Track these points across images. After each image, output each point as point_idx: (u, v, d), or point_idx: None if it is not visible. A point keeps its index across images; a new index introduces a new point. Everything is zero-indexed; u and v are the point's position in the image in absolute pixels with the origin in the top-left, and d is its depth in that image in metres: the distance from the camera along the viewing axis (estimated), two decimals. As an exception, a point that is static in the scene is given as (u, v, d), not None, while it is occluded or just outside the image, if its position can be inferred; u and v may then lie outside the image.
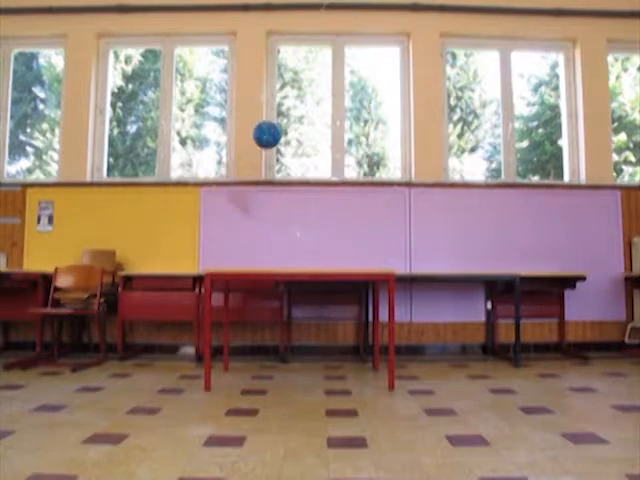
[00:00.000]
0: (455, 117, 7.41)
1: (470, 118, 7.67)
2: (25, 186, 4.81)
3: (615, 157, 6.24)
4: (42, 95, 6.94)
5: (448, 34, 4.98)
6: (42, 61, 6.75)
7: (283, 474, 1.75)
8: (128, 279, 4.36)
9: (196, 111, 7.14)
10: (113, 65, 5.38)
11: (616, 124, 6.86)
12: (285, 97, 7.16)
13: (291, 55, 6.86)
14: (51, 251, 4.64)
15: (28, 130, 6.78)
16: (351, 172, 7.08)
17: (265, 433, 2.23)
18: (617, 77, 7.01)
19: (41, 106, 7.08)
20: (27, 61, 6.57)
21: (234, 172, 4.83)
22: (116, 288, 4.35)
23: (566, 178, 5.05)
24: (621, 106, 7.16)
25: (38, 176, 6.39)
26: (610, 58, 5.18)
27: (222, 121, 5.96)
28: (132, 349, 4.49)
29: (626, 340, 4.57)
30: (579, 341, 4.60)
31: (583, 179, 4.90)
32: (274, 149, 4.80)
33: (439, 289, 4.60)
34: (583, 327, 4.64)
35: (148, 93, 7.53)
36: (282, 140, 4.72)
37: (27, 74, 6.80)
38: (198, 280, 4.30)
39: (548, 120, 7.77)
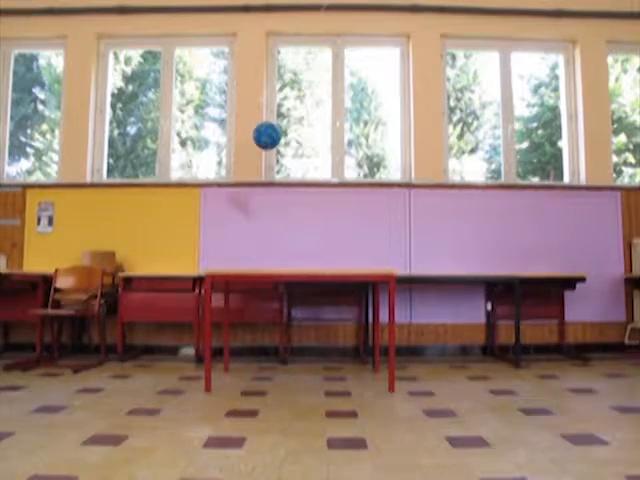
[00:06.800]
0: (455, 118, 7.41)
1: (470, 119, 7.67)
2: (25, 187, 4.81)
3: (615, 158, 6.24)
4: (42, 96, 6.94)
5: (448, 35, 4.99)
6: (42, 62, 6.76)
7: (283, 475, 1.76)
8: (128, 280, 4.36)
9: (196, 112, 7.14)
10: (113, 66, 5.39)
11: (616, 125, 6.86)
12: (285, 98, 7.16)
13: (291, 56, 6.86)
14: (51, 252, 4.64)
15: (28, 131, 6.78)
16: (351, 173, 7.08)
17: (265, 434, 2.23)
18: (617, 78, 7.01)
19: (41, 107, 7.07)
20: (27, 62, 6.57)
21: (234, 173, 4.83)
22: (116, 289, 4.35)
23: (566, 179, 5.05)
24: (621, 107, 7.16)
25: (38, 177, 6.38)
26: (610, 59, 5.18)
27: (222, 122, 5.96)
28: (132, 350, 4.48)
29: (626, 341, 4.57)
30: (579, 342, 4.60)
31: (583, 180, 4.90)
32: (274, 150, 4.81)
33: (439, 290, 4.60)
34: (583, 328, 4.64)
35: (148, 94, 7.53)
36: (282, 141, 4.72)
37: (27, 75, 6.80)
38: (198, 281, 4.31)
39: (548, 121, 7.77)
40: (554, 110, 7.13)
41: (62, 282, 4.27)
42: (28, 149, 6.64)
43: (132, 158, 7.29)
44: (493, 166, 7.05)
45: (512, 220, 4.69)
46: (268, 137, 4.21)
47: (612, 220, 4.73)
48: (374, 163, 7.67)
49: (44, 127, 6.81)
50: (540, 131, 7.94)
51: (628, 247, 4.71)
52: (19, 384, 3.27)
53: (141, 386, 3.27)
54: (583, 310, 4.63)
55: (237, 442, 2.11)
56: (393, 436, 2.21)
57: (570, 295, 4.57)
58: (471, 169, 7.50)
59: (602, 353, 4.51)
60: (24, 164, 6.65)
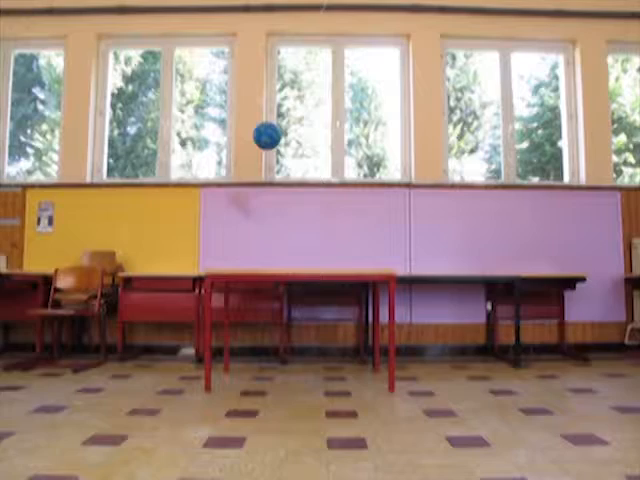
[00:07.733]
0: (455, 118, 7.41)
1: (470, 119, 7.66)
2: (25, 187, 4.81)
3: (615, 158, 6.24)
4: (42, 96, 6.93)
5: (448, 35, 4.99)
6: (42, 62, 6.76)
7: (283, 475, 1.75)
8: (128, 280, 4.36)
9: (196, 112, 7.13)
10: (113, 66, 5.39)
11: (616, 125, 6.86)
12: (285, 98, 7.16)
13: (291, 56, 6.86)
14: (51, 252, 4.64)
15: (28, 131, 6.77)
16: (351, 173, 7.08)
17: (265, 434, 2.23)
18: (617, 78, 7.01)
19: (41, 107, 7.07)
20: (27, 62, 6.57)
21: (234, 173, 4.84)
22: (116, 289, 4.35)
23: (566, 179, 5.06)
24: (621, 107, 7.16)
25: (38, 177, 6.38)
26: (610, 59, 5.18)
27: (222, 122, 5.97)
28: (132, 350, 4.48)
29: (626, 341, 4.57)
30: (579, 342, 4.60)
31: (583, 180, 4.90)
32: (274, 150, 4.81)
33: (439, 290, 4.60)
34: (583, 328, 4.64)
35: (148, 94, 7.53)
36: (282, 141, 4.72)
37: (27, 75, 6.80)
38: (198, 281, 4.31)
39: (548, 121, 7.76)
40: (554, 110, 7.12)
41: (62, 282, 4.27)
42: (28, 149, 6.64)
43: (132, 158, 7.28)
44: (493, 166, 7.05)
45: (512, 220, 4.69)
46: (268, 137, 4.21)
47: (612, 220, 4.73)
48: (374, 163, 7.66)
49: (44, 127, 6.81)
50: (540, 131, 7.94)
51: (628, 247, 4.71)
52: (19, 384, 3.27)
53: (141, 386, 3.27)
54: (583, 310, 4.63)
55: (237, 442, 2.11)
56: (393, 436, 2.21)
57: (570, 295, 4.57)
58: (471, 169, 7.49)
59: (602, 353, 4.51)
60: (24, 164, 6.64)
